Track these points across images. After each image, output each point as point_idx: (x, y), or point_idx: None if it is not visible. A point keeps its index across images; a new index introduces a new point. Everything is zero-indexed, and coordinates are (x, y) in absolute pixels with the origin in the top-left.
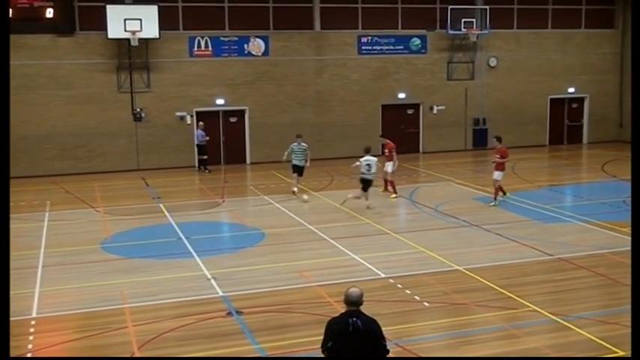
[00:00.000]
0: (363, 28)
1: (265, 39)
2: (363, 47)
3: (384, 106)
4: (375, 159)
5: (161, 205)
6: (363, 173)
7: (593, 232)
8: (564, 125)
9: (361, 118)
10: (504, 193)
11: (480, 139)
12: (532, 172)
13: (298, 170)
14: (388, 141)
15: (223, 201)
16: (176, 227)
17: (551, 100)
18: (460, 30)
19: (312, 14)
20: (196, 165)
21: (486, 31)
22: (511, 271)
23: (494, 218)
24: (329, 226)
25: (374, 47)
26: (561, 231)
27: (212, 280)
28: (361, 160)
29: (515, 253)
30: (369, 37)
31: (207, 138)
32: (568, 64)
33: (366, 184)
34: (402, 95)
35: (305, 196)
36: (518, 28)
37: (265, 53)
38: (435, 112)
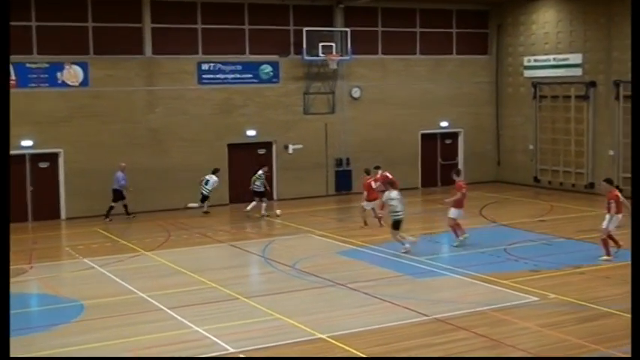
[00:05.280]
0: (203, 54)
1: (84, 66)
2: (204, 76)
3: (230, 146)
4: (215, 178)
5: None
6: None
7: (472, 286)
8: (437, 164)
9: (204, 161)
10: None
11: (343, 182)
12: None
13: None
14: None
15: (31, 267)
16: None
17: (423, 135)
18: (318, 56)
19: (141, 36)
20: (125, 213)
21: (348, 57)
22: (383, 337)
23: (362, 275)
24: (166, 293)
25: (217, 76)
26: (437, 286)
27: None
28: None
29: (387, 315)
30: (212, 64)
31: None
32: (440, 94)
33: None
34: (251, 132)
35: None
36: (384, 54)
37: (84, 83)
38: (290, 151)
